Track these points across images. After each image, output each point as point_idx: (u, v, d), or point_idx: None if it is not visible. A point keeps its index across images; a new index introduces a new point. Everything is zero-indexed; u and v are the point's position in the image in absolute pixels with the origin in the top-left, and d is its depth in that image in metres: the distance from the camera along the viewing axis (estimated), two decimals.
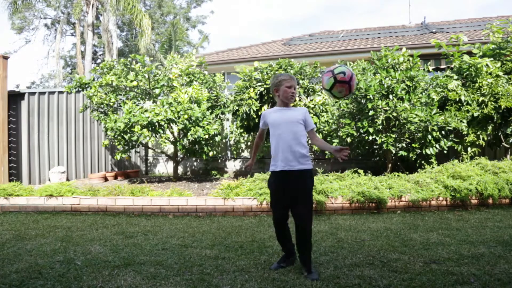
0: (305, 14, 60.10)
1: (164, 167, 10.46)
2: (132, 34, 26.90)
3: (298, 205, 2.99)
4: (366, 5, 58.47)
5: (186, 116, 6.79)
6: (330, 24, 60.58)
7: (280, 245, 3.22)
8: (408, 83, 6.65)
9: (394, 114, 6.38)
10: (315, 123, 7.05)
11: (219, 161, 9.93)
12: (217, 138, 7.51)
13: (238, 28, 55.73)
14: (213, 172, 9.60)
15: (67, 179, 8.41)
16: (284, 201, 3.05)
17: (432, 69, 9.04)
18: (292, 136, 3.02)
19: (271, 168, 3.17)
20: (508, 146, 7.07)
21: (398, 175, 6.21)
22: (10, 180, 7.29)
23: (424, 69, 7.52)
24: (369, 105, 6.40)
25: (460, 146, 6.94)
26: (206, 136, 6.96)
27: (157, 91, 7.83)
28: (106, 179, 8.65)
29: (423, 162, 6.80)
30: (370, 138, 6.56)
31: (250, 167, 3.50)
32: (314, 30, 26.28)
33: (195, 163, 10.17)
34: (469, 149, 6.97)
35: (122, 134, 6.85)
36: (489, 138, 7.17)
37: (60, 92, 8.62)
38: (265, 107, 7.16)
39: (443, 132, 6.58)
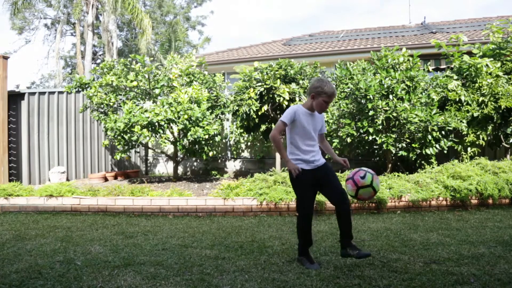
0: (305, 14, 60.14)
1: (164, 167, 10.46)
2: (132, 34, 26.89)
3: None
4: (366, 5, 58.52)
5: (186, 116, 6.79)
6: (330, 24, 60.62)
7: (308, 241, 3.23)
8: (408, 83, 6.65)
9: (394, 114, 6.38)
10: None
11: (219, 161, 9.93)
12: (217, 138, 7.51)
13: (238, 28, 55.75)
14: (213, 172, 9.60)
15: (67, 179, 8.41)
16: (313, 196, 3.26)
17: (432, 69, 9.04)
18: (314, 142, 3.28)
19: (301, 166, 3.18)
20: (508, 146, 7.07)
21: (398, 175, 6.21)
22: (10, 180, 7.29)
23: (424, 69, 7.52)
24: (369, 105, 6.40)
25: (460, 146, 6.94)
26: (206, 136, 6.96)
27: (157, 91, 7.83)
28: (106, 179, 8.65)
29: (423, 162, 6.79)
30: (370, 138, 6.56)
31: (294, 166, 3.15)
32: (314, 30, 26.29)
33: (195, 163, 10.18)
34: (469, 149, 6.97)
35: (122, 134, 6.85)
36: (489, 138, 7.17)
37: (60, 92, 8.62)
38: (265, 107, 7.16)
39: (443, 132, 6.58)
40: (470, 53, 7.74)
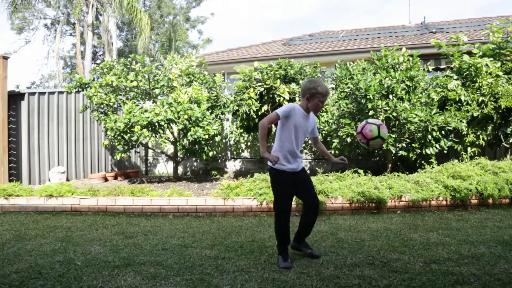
0: (305, 15, 60.15)
1: (164, 167, 10.46)
2: (132, 34, 26.89)
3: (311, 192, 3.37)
4: (365, 5, 58.52)
5: (186, 116, 6.79)
6: (330, 24, 60.62)
7: (285, 240, 3.26)
8: (408, 83, 6.65)
9: (394, 114, 6.38)
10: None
11: (219, 161, 9.93)
12: (217, 138, 7.51)
13: (238, 28, 55.75)
14: (213, 172, 9.60)
15: (67, 179, 8.41)
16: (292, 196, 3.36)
17: (432, 69, 9.04)
18: (299, 145, 3.30)
19: (282, 167, 3.20)
20: (508, 146, 7.07)
21: (398, 175, 6.21)
22: (10, 180, 7.29)
23: (424, 69, 7.52)
24: (369, 105, 6.40)
25: (460, 146, 6.94)
26: (206, 136, 6.96)
27: (157, 91, 7.83)
28: (106, 179, 8.65)
29: (423, 162, 6.79)
30: None
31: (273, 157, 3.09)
32: (314, 30, 26.29)
33: (195, 163, 10.17)
34: (469, 149, 6.97)
35: (122, 134, 6.85)
36: (489, 138, 7.17)
37: (60, 92, 8.62)
38: (265, 107, 7.16)
39: (443, 132, 6.58)
40: (470, 53, 7.74)
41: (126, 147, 7.25)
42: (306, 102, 3.17)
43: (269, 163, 3.19)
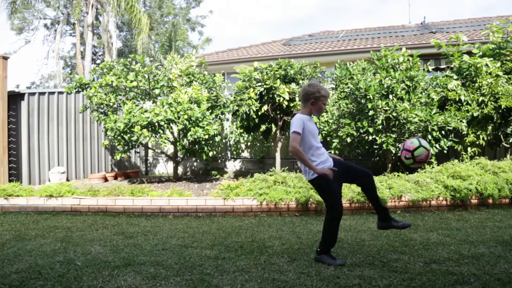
0: (305, 15, 60.14)
1: (164, 167, 10.46)
2: (132, 34, 26.89)
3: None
4: (364, 6, 58.50)
5: (186, 117, 6.79)
6: (330, 25, 60.62)
7: (335, 240, 3.27)
8: (408, 83, 6.64)
9: (394, 114, 6.38)
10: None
11: (219, 161, 9.93)
12: (217, 138, 7.51)
13: (238, 28, 55.75)
14: (213, 172, 9.60)
15: (67, 180, 8.41)
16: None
17: (432, 69, 9.04)
18: (320, 144, 3.38)
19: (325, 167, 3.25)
20: (508, 146, 7.07)
21: (398, 175, 6.21)
22: (10, 181, 7.29)
23: (424, 69, 7.52)
24: (369, 105, 6.40)
25: (460, 146, 6.94)
26: (206, 136, 6.96)
27: (157, 91, 7.83)
28: (106, 180, 8.65)
29: None
30: (370, 138, 6.56)
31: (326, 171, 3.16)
32: (314, 30, 26.28)
33: (195, 163, 10.17)
34: (469, 149, 6.97)
35: (122, 135, 6.85)
36: (489, 138, 7.17)
37: (60, 93, 8.62)
38: (265, 107, 7.16)
39: (443, 132, 6.57)
40: (470, 53, 7.74)
41: (126, 147, 7.25)
42: (310, 107, 3.29)
43: (314, 175, 3.20)
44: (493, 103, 6.71)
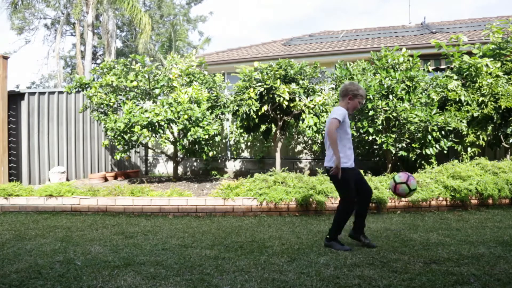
0: (305, 15, 60.13)
1: (164, 167, 10.46)
2: (132, 34, 26.89)
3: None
4: (364, 5, 58.50)
5: (186, 116, 6.79)
6: (330, 25, 60.60)
7: (340, 230, 3.72)
8: (408, 83, 6.65)
9: (394, 114, 6.38)
10: (315, 123, 7.05)
11: (219, 161, 9.93)
12: (217, 138, 7.51)
13: (238, 28, 55.74)
14: (213, 172, 9.60)
15: (67, 179, 8.41)
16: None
17: (432, 69, 9.04)
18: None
19: (345, 165, 3.53)
20: (508, 146, 7.07)
21: None
22: (10, 180, 7.28)
23: (424, 69, 7.52)
24: (369, 105, 6.40)
25: (460, 146, 6.94)
26: (206, 136, 6.95)
27: (157, 91, 7.82)
28: (106, 179, 8.65)
29: (423, 162, 6.79)
30: (370, 138, 6.56)
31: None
32: (314, 31, 26.28)
33: (195, 163, 10.17)
34: (469, 149, 6.97)
35: (122, 134, 6.85)
36: (489, 138, 7.17)
37: (60, 92, 8.62)
38: (265, 107, 7.16)
39: (443, 132, 6.58)
40: (470, 53, 7.74)
41: (126, 147, 7.25)
42: (347, 102, 3.57)
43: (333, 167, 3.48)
44: (493, 103, 6.71)
